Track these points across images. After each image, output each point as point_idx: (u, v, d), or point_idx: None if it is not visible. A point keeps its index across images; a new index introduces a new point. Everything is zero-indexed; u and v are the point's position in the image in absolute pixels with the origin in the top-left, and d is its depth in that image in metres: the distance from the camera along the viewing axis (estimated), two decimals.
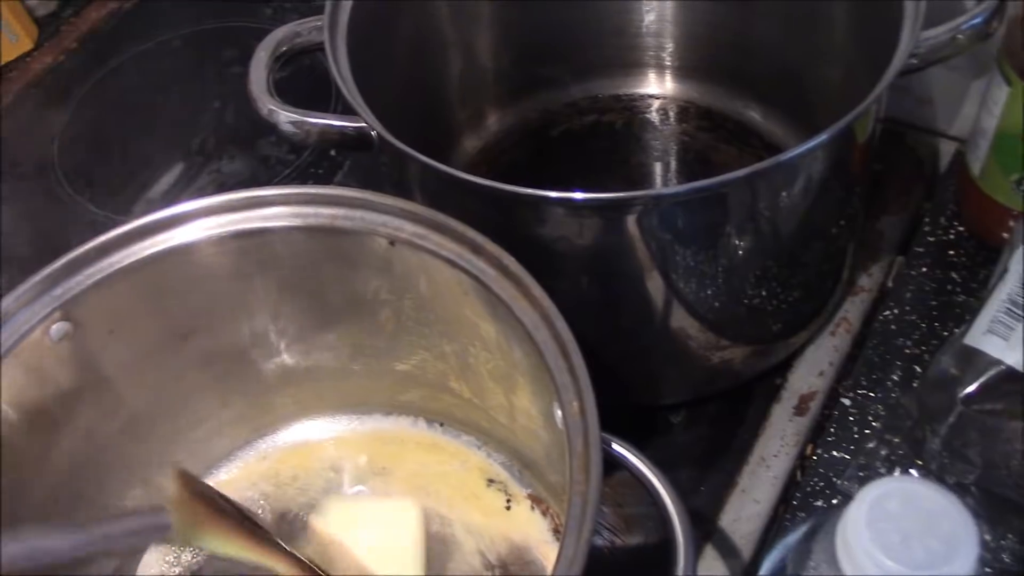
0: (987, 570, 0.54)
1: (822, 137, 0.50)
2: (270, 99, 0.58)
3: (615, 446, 0.44)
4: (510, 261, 0.48)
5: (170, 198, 0.77)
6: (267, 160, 0.80)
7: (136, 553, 0.58)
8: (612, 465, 0.45)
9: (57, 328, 0.49)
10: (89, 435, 0.53)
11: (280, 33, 0.60)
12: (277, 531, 0.56)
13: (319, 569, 0.54)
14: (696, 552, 0.42)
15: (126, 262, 0.51)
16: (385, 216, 0.51)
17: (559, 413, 0.44)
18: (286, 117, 0.58)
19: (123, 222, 0.51)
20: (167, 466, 0.57)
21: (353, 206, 0.51)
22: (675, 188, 0.52)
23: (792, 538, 0.39)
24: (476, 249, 0.49)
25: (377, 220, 0.51)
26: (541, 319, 0.46)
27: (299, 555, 0.53)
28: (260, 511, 0.60)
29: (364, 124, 0.55)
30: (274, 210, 0.52)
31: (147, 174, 0.80)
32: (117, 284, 0.51)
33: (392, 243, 0.51)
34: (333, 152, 0.80)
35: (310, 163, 0.80)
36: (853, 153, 0.56)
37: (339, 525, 0.58)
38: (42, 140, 0.82)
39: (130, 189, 0.79)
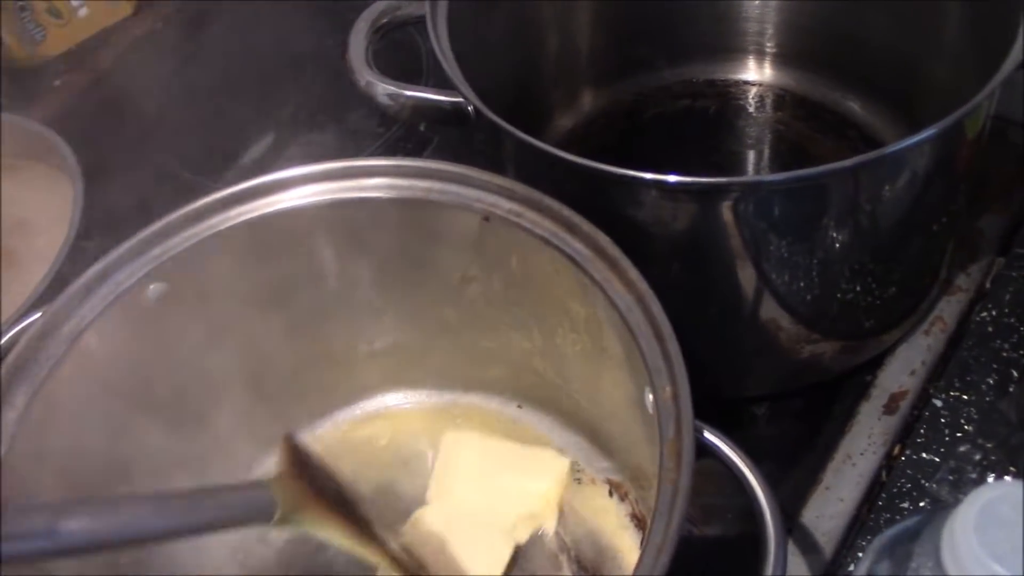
0: None
1: (931, 131, 0.49)
2: (368, 70, 0.58)
3: (707, 434, 0.43)
4: (606, 242, 0.47)
5: (261, 167, 0.78)
6: (356, 133, 0.81)
7: (233, 530, 0.54)
8: (699, 454, 0.44)
9: (155, 288, 0.50)
10: (176, 398, 0.54)
11: (381, 4, 0.60)
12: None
13: (413, 569, 0.53)
14: (786, 549, 0.41)
15: (223, 226, 0.51)
16: (480, 192, 0.51)
17: (650, 398, 0.44)
18: (383, 89, 0.58)
19: (216, 188, 0.52)
20: (247, 434, 0.58)
21: (449, 180, 0.51)
22: (776, 176, 0.51)
23: (888, 538, 0.38)
24: (571, 228, 0.48)
25: (472, 195, 0.51)
26: (636, 302, 0.46)
27: (396, 552, 0.53)
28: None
29: (460, 99, 0.55)
30: (371, 181, 0.52)
31: (239, 142, 0.81)
32: (214, 248, 0.51)
33: (487, 219, 0.51)
34: (422, 127, 0.80)
35: (399, 137, 0.80)
36: (961, 149, 0.54)
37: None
38: (140, 104, 0.84)
39: (222, 156, 0.80)
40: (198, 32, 0.90)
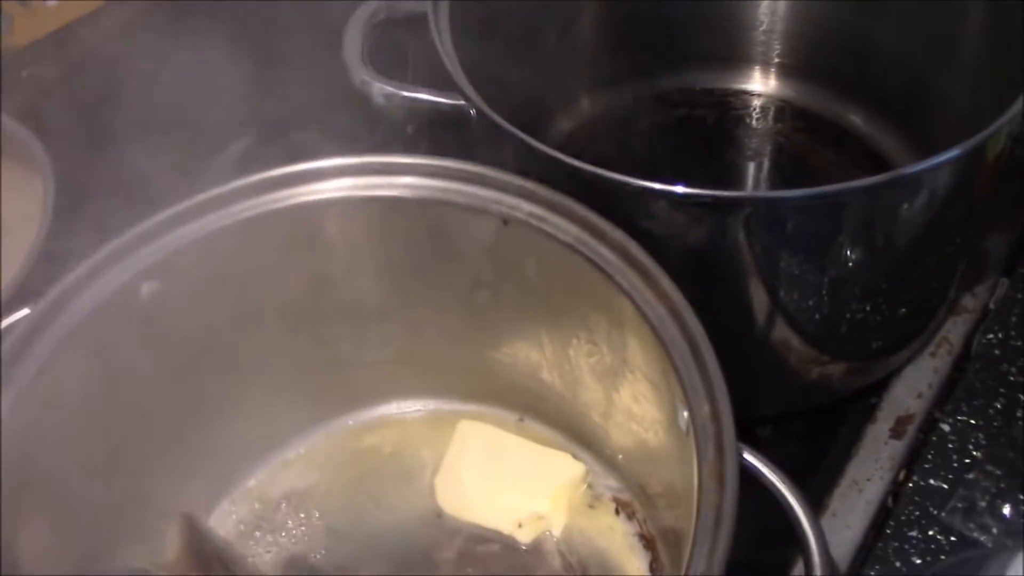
0: None
1: (955, 152, 0.48)
2: (364, 69, 0.56)
3: (747, 456, 0.41)
4: (636, 250, 0.45)
5: (241, 166, 0.74)
6: (340, 135, 0.78)
7: None
8: None
9: (148, 287, 0.47)
10: (173, 400, 0.52)
11: (375, 2, 0.58)
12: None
13: None
14: (833, 571, 0.39)
15: (218, 225, 0.49)
16: (500, 193, 0.49)
17: (685, 415, 0.42)
18: (379, 88, 0.56)
19: (195, 189, 0.50)
20: (244, 437, 0.55)
21: (467, 180, 0.49)
22: (790, 192, 0.50)
23: None
24: (599, 235, 0.46)
25: (491, 197, 0.49)
26: (669, 313, 0.44)
27: None
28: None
29: (461, 101, 0.53)
30: (385, 179, 0.50)
31: (218, 141, 0.78)
32: (210, 246, 0.49)
33: (506, 222, 0.48)
34: (409, 130, 0.77)
35: (385, 140, 0.77)
36: (981, 171, 0.53)
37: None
38: (114, 100, 0.80)
39: (200, 155, 0.77)
40: (175, 26, 0.86)
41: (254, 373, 0.55)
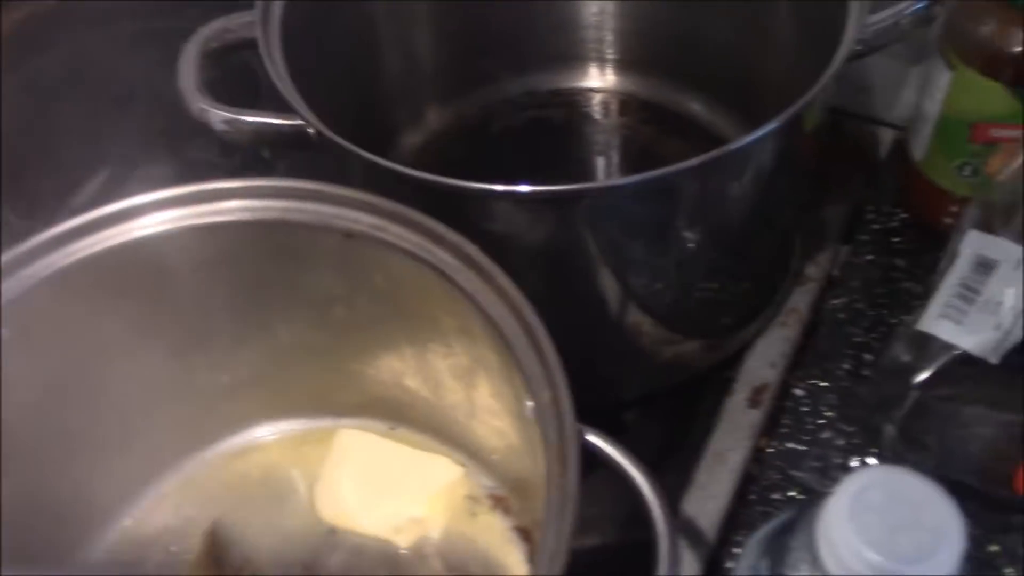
0: None
1: (771, 126, 0.50)
2: (201, 97, 0.56)
3: (590, 437, 0.43)
4: (474, 251, 0.46)
5: (97, 205, 0.74)
6: (196, 164, 0.77)
7: None
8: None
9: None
10: (29, 448, 0.50)
11: (210, 29, 0.58)
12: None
13: None
14: (678, 547, 0.41)
15: (64, 263, 0.48)
16: (340, 208, 0.49)
17: (530, 404, 0.43)
18: (218, 116, 0.56)
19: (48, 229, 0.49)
20: (108, 479, 0.55)
21: (306, 198, 0.49)
22: (623, 180, 0.52)
23: (765, 534, 0.38)
24: (438, 239, 0.47)
25: (331, 212, 0.49)
26: (509, 310, 0.45)
27: None
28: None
29: (301, 121, 0.53)
30: (226, 204, 0.50)
31: (71, 180, 0.77)
32: (55, 286, 0.48)
33: (349, 235, 0.49)
34: (266, 154, 0.77)
35: (241, 165, 0.77)
36: (801, 142, 0.56)
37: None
38: None
39: (53, 197, 0.75)
40: (20, 63, 0.85)
41: (117, 409, 0.54)
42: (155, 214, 0.49)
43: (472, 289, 0.46)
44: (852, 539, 0.30)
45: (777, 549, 0.35)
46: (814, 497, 0.34)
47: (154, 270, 0.51)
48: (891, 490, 0.31)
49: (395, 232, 0.48)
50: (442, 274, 0.47)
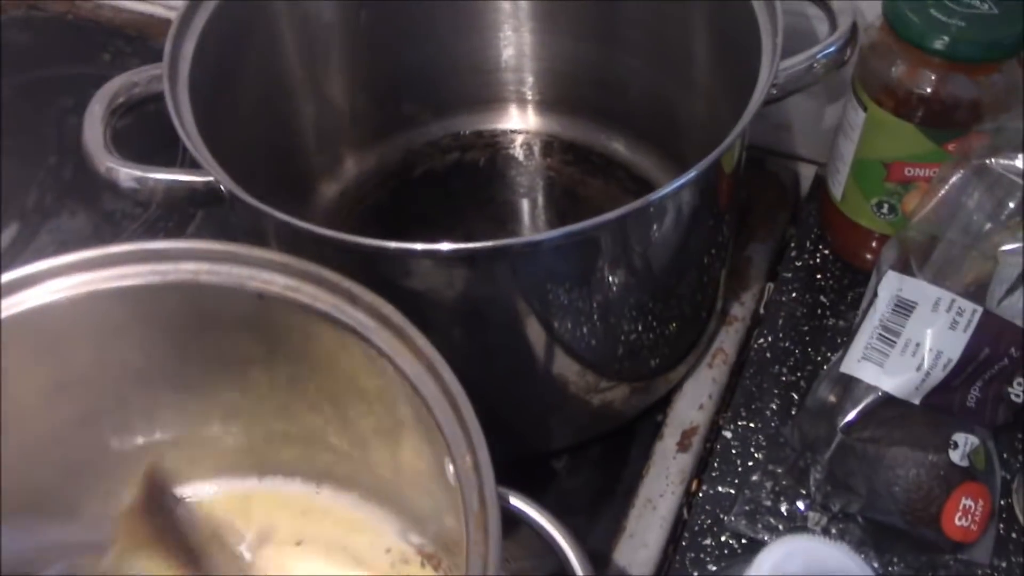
0: None
1: (691, 175, 0.50)
2: (108, 155, 0.54)
3: (513, 500, 0.42)
4: (390, 311, 0.45)
5: (5, 263, 0.71)
6: (112, 215, 0.76)
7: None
8: (506, 520, 0.42)
9: None
10: None
11: (116, 83, 0.56)
12: None
13: None
14: None
15: None
16: (253, 269, 0.48)
17: (451, 468, 0.42)
18: (127, 174, 0.54)
19: None
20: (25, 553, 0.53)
21: (217, 259, 0.48)
22: (545, 235, 0.51)
23: None
24: (352, 299, 0.46)
25: (244, 273, 0.48)
26: (426, 370, 0.44)
27: None
28: None
29: (212, 178, 0.52)
30: (132, 268, 0.48)
31: None
32: None
33: (261, 297, 0.48)
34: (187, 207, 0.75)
35: (158, 217, 0.75)
36: (721, 184, 0.56)
37: None
38: None
39: None
40: None
41: (19, 481, 0.52)
42: (61, 279, 0.48)
43: (389, 350, 0.45)
44: None
45: None
46: (736, 560, 0.34)
47: (60, 337, 0.49)
48: (810, 560, 0.30)
49: (309, 292, 0.47)
50: (358, 335, 0.46)
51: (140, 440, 0.55)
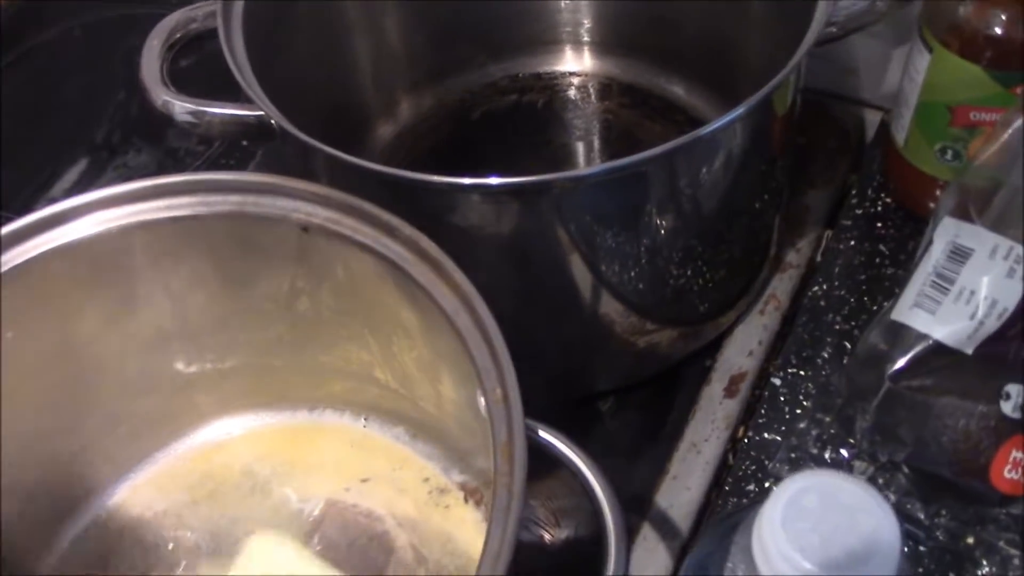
0: (921, 548, 0.53)
1: (739, 110, 0.49)
2: (164, 89, 0.55)
3: (542, 433, 0.42)
4: (428, 244, 0.46)
5: (74, 195, 0.73)
6: (175, 152, 0.77)
7: None
8: (542, 456, 0.43)
9: None
10: None
11: (173, 20, 0.57)
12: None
13: None
14: (628, 540, 0.41)
15: (12, 264, 0.48)
16: (297, 201, 0.49)
17: (482, 401, 0.42)
18: (182, 108, 0.55)
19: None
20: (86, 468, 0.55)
21: (262, 191, 0.49)
22: (591, 169, 0.51)
23: (717, 530, 0.38)
24: (392, 232, 0.47)
25: (289, 206, 0.49)
26: (462, 304, 0.44)
27: None
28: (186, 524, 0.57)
29: (263, 113, 0.53)
30: (181, 199, 0.49)
31: (49, 171, 0.76)
32: (6, 287, 0.48)
33: (306, 229, 0.48)
34: (245, 142, 0.77)
35: (221, 154, 0.76)
36: (773, 125, 0.54)
37: None
38: None
39: (31, 187, 0.75)
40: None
41: (89, 403, 0.54)
42: (112, 209, 0.49)
43: (426, 282, 0.45)
44: (784, 546, 0.29)
45: (719, 551, 0.34)
46: (755, 501, 0.34)
47: (115, 265, 0.50)
48: (826, 495, 0.30)
49: (350, 225, 0.47)
50: (397, 267, 0.46)
51: (194, 368, 0.57)
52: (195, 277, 0.52)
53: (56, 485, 0.55)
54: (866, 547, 0.29)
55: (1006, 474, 0.51)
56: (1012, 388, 0.51)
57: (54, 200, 0.73)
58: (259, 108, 0.53)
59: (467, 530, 0.55)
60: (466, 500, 0.56)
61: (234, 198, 0.49)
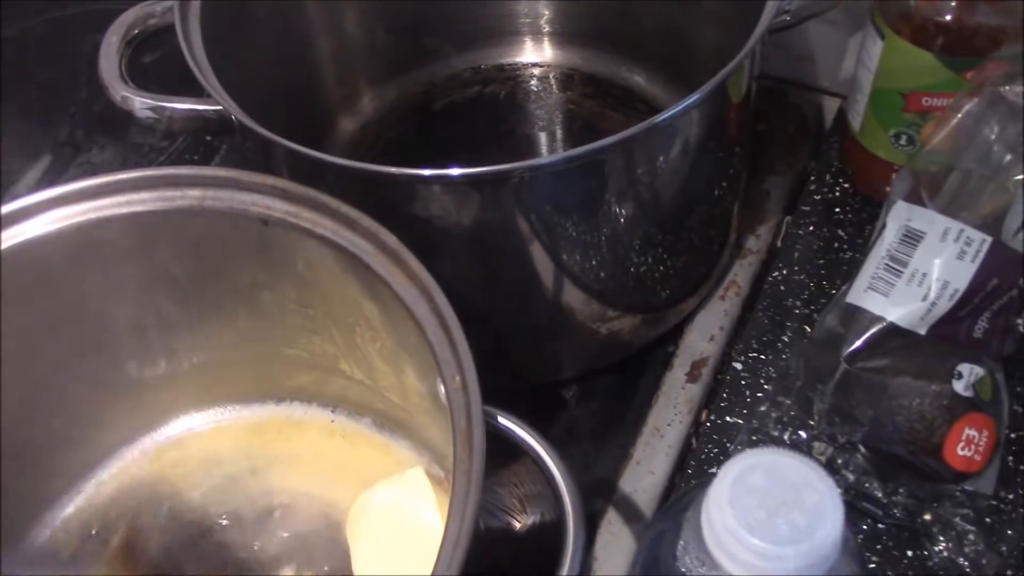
0: (880, 526, 0.54)
1: (694, 97, 0.49)
2: (123, 85, 0.55)
3: (502, 420, 0.43)
4: (387, 236, 0.46)
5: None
6: (140, 148, 0.77)
7: None
8: (505, 443, 0.43)
9: None
10: None
11: (131, 15, 0.57)
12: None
13: None
14: (586, 521, 0.41)
15: None
16: (256, 195, 0.49)
17: (442, 389, 0.43)
18: (142, 103, 0.55)
19: None
20: (35, 479, 0.55)
21: (221, 186, 0.49)
22: (550, 158, 0.51)
23: (669, 513, 0.38)
24: (351, 225, 0.47)
25: (248, 200, 0.49)
26: (420, 294, 0.45)
27: None
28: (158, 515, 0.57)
29: (222, 107, 0.53)
30: (137, 195, 0.50)
31: (12, 169, 0.76)
32: None
33: (265, 223, 0.49)
34: (208, 137, 0.77)
35: (184, 149, 0.76)
36: (730, 112, 0.55)
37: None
38: None
39: None
40: None
41: (52, 403, 0.54)
42: (69, 207, 0.49)
43: (385, 273, 0.46)
44: (731, 522, 0.30)
45: (672, 530, 0.35)
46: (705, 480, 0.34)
47: (73, 262, 0.50)
48: (772, 472, 0.31)
49: (309, 218, 0.48)
50: (357, 259, 0.47)
51: (158, 364, 0.57)
52: (156, 273, 0.52)
53: (22, 488, 0.55)
54: (810, 521, 0.30)
55: (959, 451, 0.52)
56: (964, 367, 0.52)
57: (17, 198, 0.73)
58: (217, 103, 0.53)
59: (440, 519, 0.56)
60: (435, 488, 0.56)
61: (193, 193, 0.49)
